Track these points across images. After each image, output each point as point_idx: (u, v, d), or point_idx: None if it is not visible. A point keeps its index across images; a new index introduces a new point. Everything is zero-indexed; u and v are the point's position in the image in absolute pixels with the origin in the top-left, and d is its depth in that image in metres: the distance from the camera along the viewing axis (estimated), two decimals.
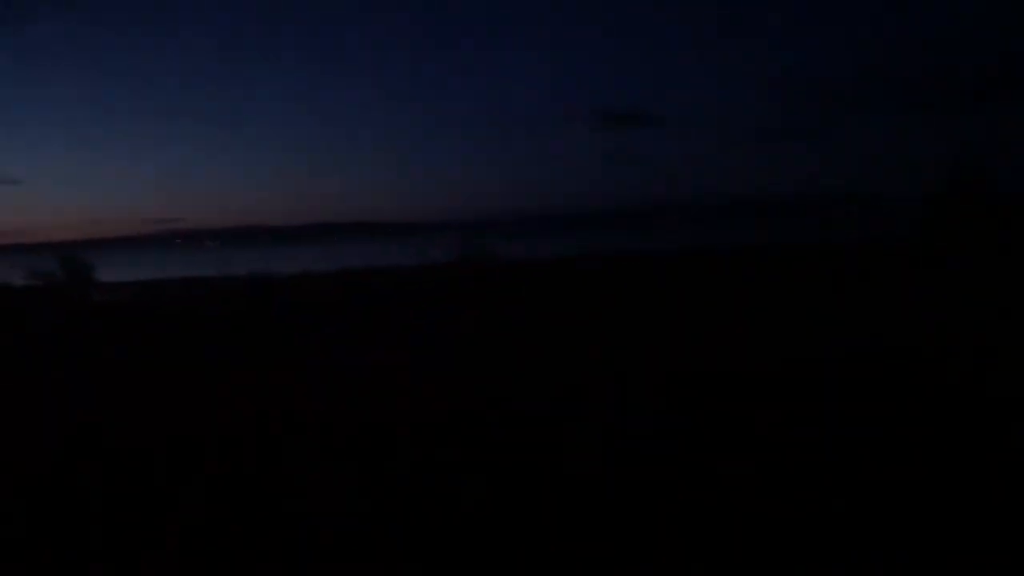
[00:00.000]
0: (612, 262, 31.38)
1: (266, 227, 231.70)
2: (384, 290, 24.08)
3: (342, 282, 27.24)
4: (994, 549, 4.98)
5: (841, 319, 13.52)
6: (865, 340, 11.36)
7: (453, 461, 6.97)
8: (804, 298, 16.61)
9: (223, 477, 6.76)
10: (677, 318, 15.11)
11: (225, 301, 21.86)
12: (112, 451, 7.65)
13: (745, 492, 5.97)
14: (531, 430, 7.79)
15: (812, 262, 24.99)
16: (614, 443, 7.19)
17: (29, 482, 6.88)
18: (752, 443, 7.03)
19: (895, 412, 7.67)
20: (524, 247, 47.76)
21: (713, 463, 6.60)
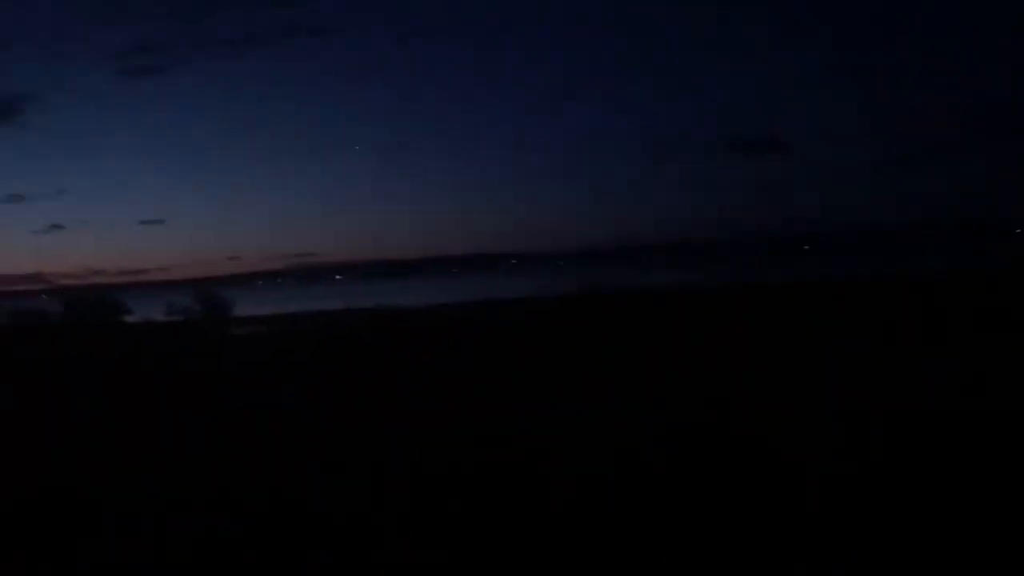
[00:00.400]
0: (741, 291, 30.10)
1: (393, 260, 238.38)
2: (508, 322, 23.75)
3: (465, 314, 27.14)
4: None
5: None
6: None
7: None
8: (962, 330, 15.17)
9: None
10: (833, 351, 13.99)
11: (350, 335, 22.03)
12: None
13: None
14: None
15: (958, 291, 23.15)
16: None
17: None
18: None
19: None
20: (648, 277, 46.70)
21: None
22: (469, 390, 12.46)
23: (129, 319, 26.98)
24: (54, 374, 17.07)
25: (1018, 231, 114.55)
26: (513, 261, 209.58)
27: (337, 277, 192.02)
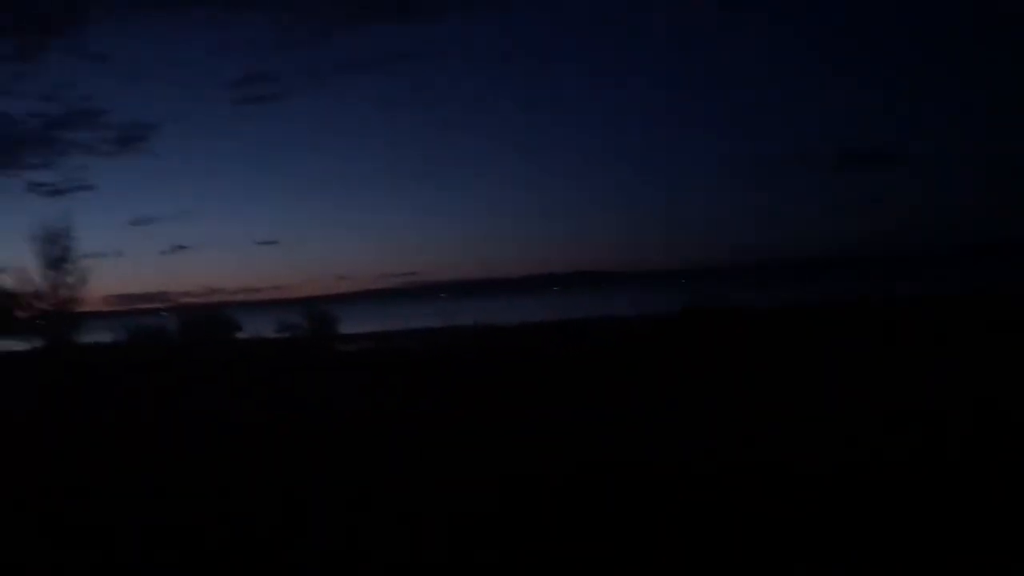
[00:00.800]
0: (858, 309, 28.86)
1: (496, 279, 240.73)
2: (606, 341, 23.43)
3: (563, 332, 26.94)
4: None
5: None
6: None
7: None
8: None
9: None
10: (954, 366, 13.18)
11: (450, 352, 22.14)
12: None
13: None
14: None
15: None
16: None
17: None
18: None
19: None
20: (760, 295, 45.45)
21: None
22: (566, 410, 12.26)
23: (241, 335, 27.93)
24: (171, 388, 17.73)
25: None
26: (617, 280, 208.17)
27: (441, 296, 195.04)
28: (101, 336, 31.72)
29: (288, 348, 24.65)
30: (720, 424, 10.29)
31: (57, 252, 32.61)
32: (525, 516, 6.82)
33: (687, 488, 7.36)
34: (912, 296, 34.02)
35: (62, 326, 33.09)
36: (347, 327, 44.72)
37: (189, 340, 25.55)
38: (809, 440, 9.03)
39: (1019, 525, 5.90)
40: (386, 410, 13.20)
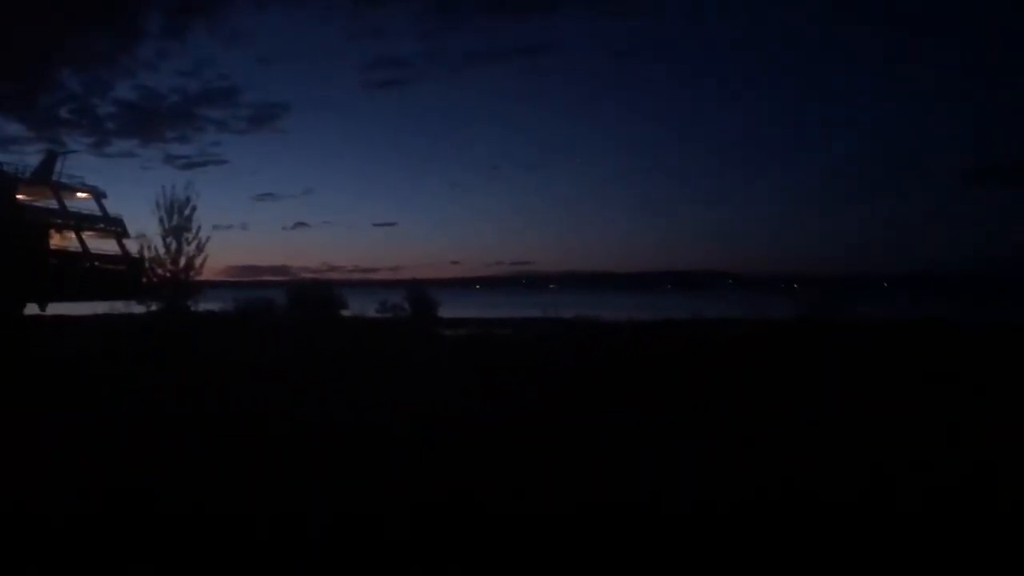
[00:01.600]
0: (991, 327, 26.91)
1: (608, 273, 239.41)
2: (710, 342, 22.54)
3: (663, 331, 26.17)
4: None
5: None
6: None
7: None
8: None
9: None
10: None
11: (539, 339, 21.75)
12: None
13: None
14: None
15: None
16: None
17: None
18: None
19: None
20: (883, 307, 43.27)
21: None
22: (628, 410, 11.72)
23: (344, 312, 28.26)
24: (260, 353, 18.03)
25: None
26: (730, 281, 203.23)
27: (551, 287, 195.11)
28: (216, 303, 32.77)
29: (386, 327, 24.81)
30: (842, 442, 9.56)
31: (178, 221, 33.80)
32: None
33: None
34: None
35: (178, 292, 34.33)
36: (454, 311, 44.89)
37: (293, 312, 26.08)
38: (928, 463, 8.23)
39: None
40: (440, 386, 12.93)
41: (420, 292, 28.90)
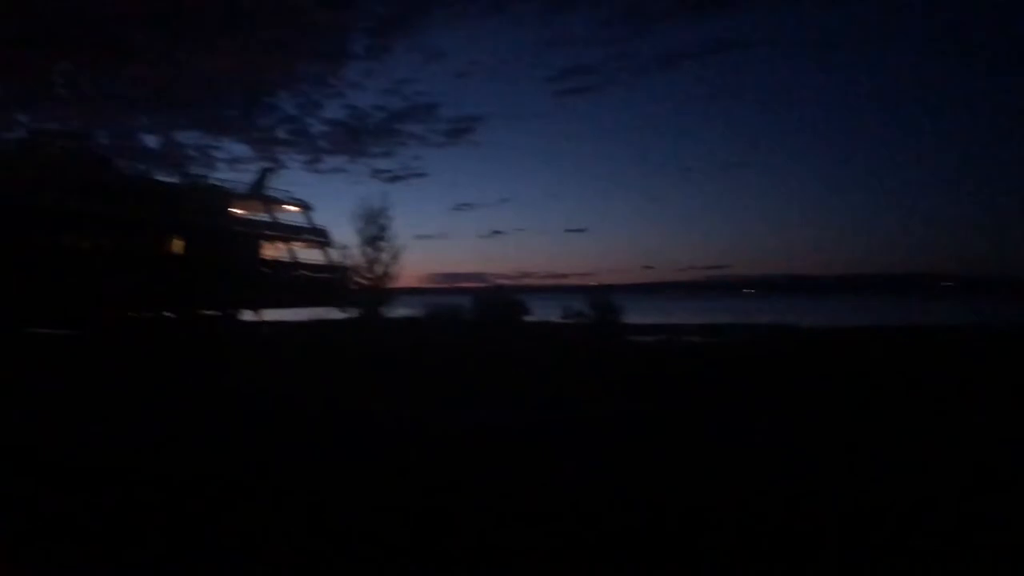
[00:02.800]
0: None
1: (808, 276, 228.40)
2: (928, 351, 20.41)
3: (869, 338, 24.03)
4: None
5: None
6: None
7: None
8: None
9: None
10: None
11: (733, 351, 20.49)
12: None
13: None
14: None
15: None
16: None
17: None
18: None
19: None
20: None
21: None
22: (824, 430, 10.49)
23: (526, 318, 28.28)
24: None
25: None
26: (947, 284, 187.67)
27: (747, 291, 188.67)
28: (412, 309, 33.91)
29: (561, 331, 24.43)
30: None
31: (374, 231, 35.31)
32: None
33: None
34: None
35: (374, 299, 35.82)
36: (640, 317, 43.91)
37: (478, 318, 26.36)
38: None
39: None
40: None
41: (604, 298, 28.35)
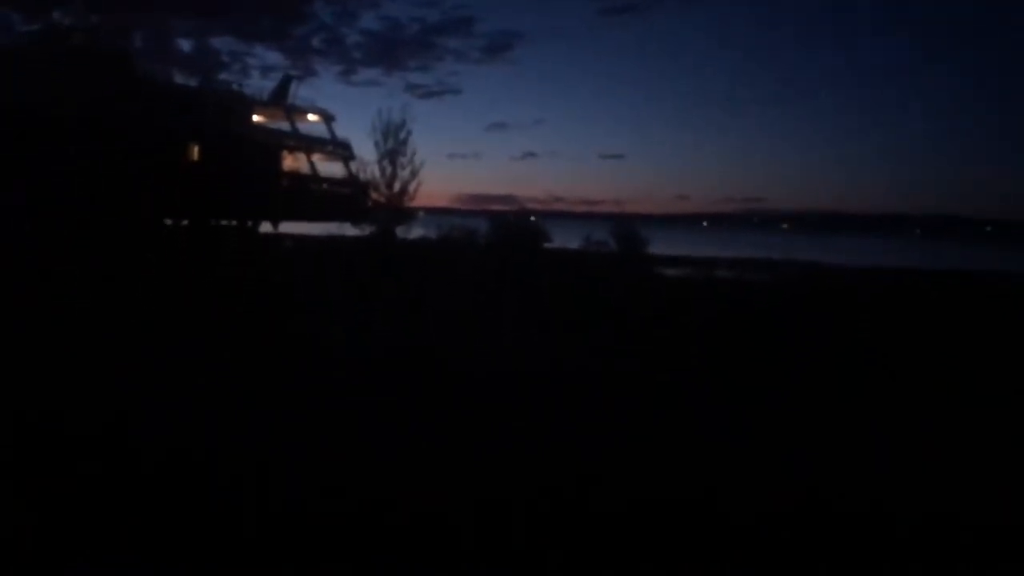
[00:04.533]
0: None
1: (847, 214, 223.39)
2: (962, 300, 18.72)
3: (901, 284, 22.31)
4: None
5: None
6: None
7: None
8: None
9: None
10: None
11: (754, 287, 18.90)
12: None
13: None
14: None
15: None
16: None
17: None
18: None
19: None
20: None
21: None
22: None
23: (546, 245, 26.75)
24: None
25: None
26: (988, 228, 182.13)
27: (783, 226, 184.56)
28: (426, 230, 32.46)
29: (573, 260, 22.90)
30: None
31: (392, 144, 33.56)
32: None
33: None
34: None
35: (392, 217, 34.36)
36: (677, 248, 42.13)
37: (491, 241, 24.91)
38: None
39: None
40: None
41: (627, 228, 26.56)
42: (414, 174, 34.40)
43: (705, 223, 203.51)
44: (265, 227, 44.78)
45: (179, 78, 44.29)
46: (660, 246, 44.91)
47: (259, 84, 47.37)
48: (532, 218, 36.31)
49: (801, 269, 29.22)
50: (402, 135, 33.99)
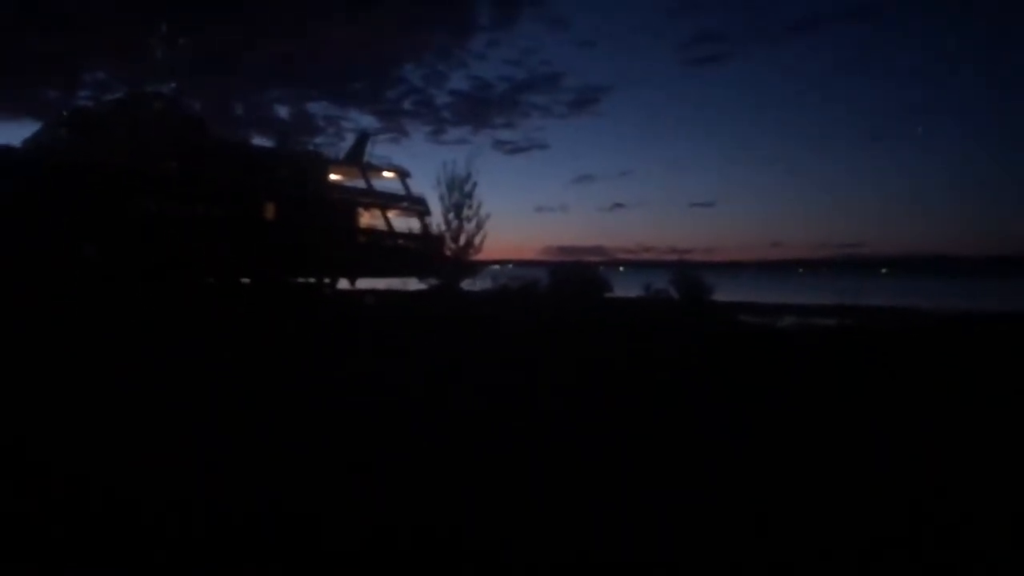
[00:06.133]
0: None
1: (951, 256, 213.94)
2: None
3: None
4: None
5: None
6: None
7: None
8: None
9: None
10: None
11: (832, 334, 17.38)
12: None
13: None
14: None
15: None
16: None
17: None
18: None
19: None
20: None
21: None
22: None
23: (604, 294, 25.77)
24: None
25: None
26: None
27: (883, 271, 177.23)
28: (489, 282, 31.90)
29: (630, 308, 21.80)
30: None
31: (457, 198, 33.39)
32: None
33: None
34: None
35: (458, 270, 34.01)
36: (773, 296, 40.39)
37: (550, 291, 24.09)
38: None
39: None
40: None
41: (688, 274, 25.35)
42: (480, 227, 34.11)
43: (801, 270, 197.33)
44: (343, 283, 45.25)
45: (257, 141, 45.58)
46: (751, 293, 43.15)
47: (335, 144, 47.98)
48: (602, 267, 35.42)
49: (892, 314, 27.36)
50: (467, 188, 33.84)
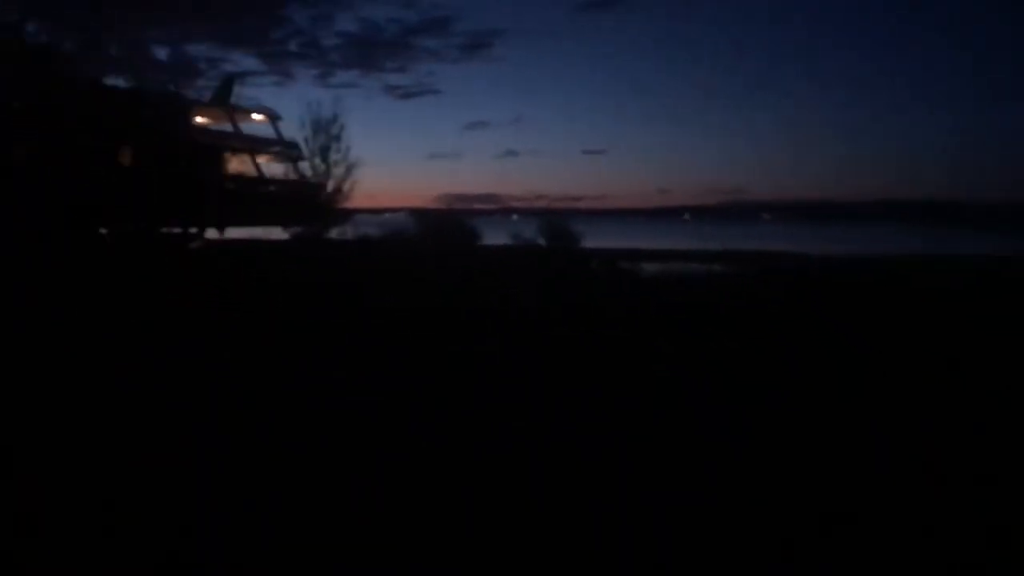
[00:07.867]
0: None
1: (826, 202, 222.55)
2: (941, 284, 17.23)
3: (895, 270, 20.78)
4: None
5: None
6: None
7: None
8: None
9: None
10: None
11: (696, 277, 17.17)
12: None
13: None
14: None
15: None
16: None
17: None
18: None
19: None
20: None
21: None
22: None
23: (474, 243, 24.97)
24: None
25: None
26: (967, 213, 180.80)
27: (764, 216, 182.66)
28: (357, 230, 30.66)
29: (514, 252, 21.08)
30: None
31: (323, 140, 31.76)
32: None
33: None
34: None
35: (327, 218, 32.55)
36: (655, 242, 40.39)
37: (416, 238, 23.17)
38: None
39: None
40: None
41: (556, 222, 24.76)
42: (349, 172, 32.62)
43: (687, 216, 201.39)
44: (211, 233, 42.86)
45: (110, 79, 42.19)
46: (637, 240, 43.13)
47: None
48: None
49: (755, 258, 27.58)
50: (334, 130, 32.20)
